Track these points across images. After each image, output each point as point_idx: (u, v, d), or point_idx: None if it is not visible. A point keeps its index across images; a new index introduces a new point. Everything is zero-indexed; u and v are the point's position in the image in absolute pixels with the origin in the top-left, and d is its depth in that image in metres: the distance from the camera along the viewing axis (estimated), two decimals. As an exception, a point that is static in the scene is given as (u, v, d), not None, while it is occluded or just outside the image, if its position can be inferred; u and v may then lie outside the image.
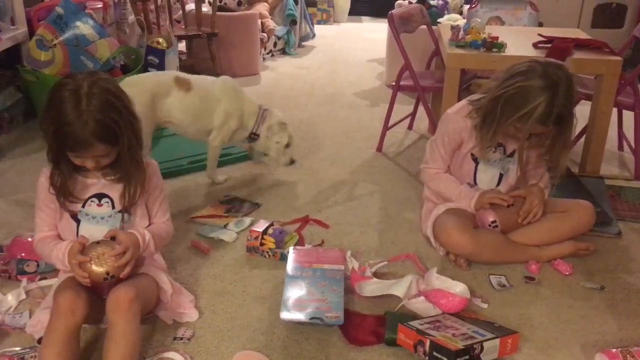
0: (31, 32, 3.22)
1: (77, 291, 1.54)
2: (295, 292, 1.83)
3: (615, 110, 2.93)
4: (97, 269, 1.57)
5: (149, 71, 3.46)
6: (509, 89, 1.94)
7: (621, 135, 3.25)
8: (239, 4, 5.18)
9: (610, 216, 2.42)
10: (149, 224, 1.78)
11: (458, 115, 2.14)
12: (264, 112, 2.66)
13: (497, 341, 1.62)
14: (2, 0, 3.11)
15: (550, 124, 1.94)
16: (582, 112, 2.91)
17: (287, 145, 2.69)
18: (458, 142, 2.16)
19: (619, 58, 2.67)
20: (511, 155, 2.14)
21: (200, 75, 2.71)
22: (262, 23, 4.91)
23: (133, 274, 1.67)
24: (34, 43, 3.10)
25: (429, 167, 2.25)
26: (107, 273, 1.57)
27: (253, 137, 2.68)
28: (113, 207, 1.69)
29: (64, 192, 1.64)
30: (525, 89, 1.91)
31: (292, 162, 2.73)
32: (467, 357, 1.55)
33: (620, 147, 3.25)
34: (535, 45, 2.79)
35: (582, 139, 2.91)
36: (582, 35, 2.99)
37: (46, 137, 1.55)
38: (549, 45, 2.74)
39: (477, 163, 2.17)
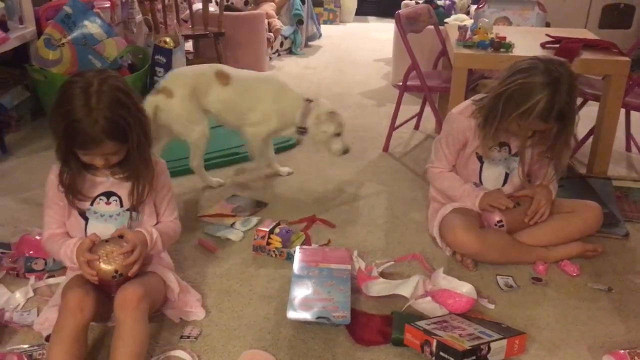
0: (39, 31, 3.24)
1: (85, 289, 1.55)
2: (301, 291, 1.83)
3: (622, 111, 2.92)
4: (106, 267, 1.57)
5: (155, 71, 3.48)
6: (511, 86, 1.94)
7: (629, 136, 3.24)
8: (246, 3, 5.18)
9: (618, 217, 2.41)
10: (157, 223, 1.78)
11: (462, 114, 2.14)
12: (309, 104, 2.61)
13: (504, 342, 1.62)
14: (10, 0, 3.12)
15: (552, 121, 1.93)
16: (590, 112, 2.92)
17: (338, 134, 2.64)
18: (462, 141, 2.16)
19: (627, 59, 2.65)
20: (516, 154, 2.14)
21: (248, 71, 2.71)
22: (268, 23, 4.91)
23: (141, 272, 1.67)
24: (42, 42, 3.11)
25: (434, 167, 2.25)
26: (116, 271, 1.58)
27: (301, 130, 2.64)
28: (121, 206, 1.70)
29: (73, 190, 1.64)
30: (526, 85, 1.91)
31: (345, 151, 2.66)
32: (474, 357, 1.55)
33: (628, 148, 3.24)
34: (543, 46, 2.78)
35: (590, 140, 2.90)
36: (589, 35, 2.98)
37: (55, 135, 1.56)
38: (557, 45, 2.73)
39: (482, 162, 2.16)
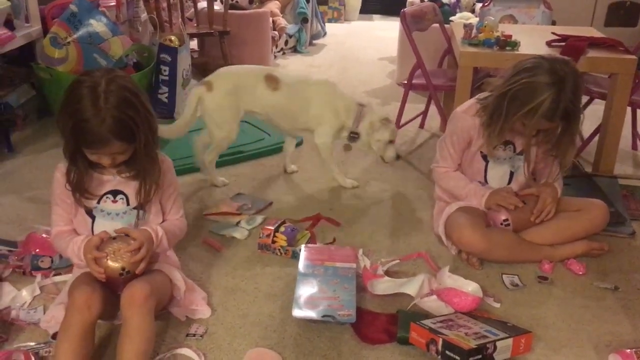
0: (45, 30, 3.24)
1: (92, 287, 1.55)
2: (307, 289, 1.83)
3: (629, 110, 2.91)
4: (113, 264, 1.58)
5: (160, 69, 3.48)
6: (515, 85, 1.94)
7: (635, 135, 3.23)
8: (251, 2, 5.18)
9: (624, 216, 2.40)
10: (163, 221, 1.79)
11: (466, 113, 2.14)
12: (362, 109, 2.60)
13: (510, 341, 1.61)
14: (16, -2, 3.13)
15: (557, 120, 1.93)
16: (596, 111, 2.91)
17: (391, 142, 2.64)
18: (467, 140, 2.16)
19: (633, 57, 2.65)
20: (521, 153, 2.14)
21: (299, 75, 2.72)
22: (273, 21, 4.91)
23: (147, 270, 1.68)
24: (48, 41, 3.11)
25: (439, 166, 2.25)
26: (123, 269, 1.58)
27: (353, 136, 2.62)
28: (128, 204, 1.71)
29: (80, 189, 1.65)
30: (531, 84, 1.91)
31: (397, 157, 2.67)
32: (480, 356, 1.54)
33: (635, 147, 3.23)
34: (549, 44, 2.77)
35: (596, 138, 2.89)
36: (596, 33, 2.97)
37: (63, 134, 1.57)
38: (563, 43, 2.72)
39: (487, 161, 2.16)
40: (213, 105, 2.53)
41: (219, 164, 2.87)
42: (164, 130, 2.71)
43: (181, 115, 2.64)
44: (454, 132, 2.18)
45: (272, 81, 2.54)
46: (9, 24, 3.06)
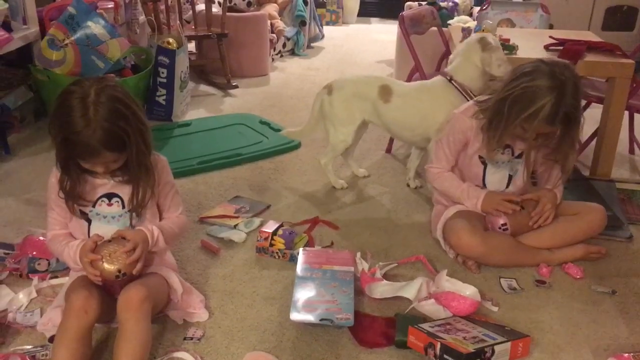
0: (43, 32, 3.23)
1: (89, 290, 1.55)
2: (305, 293, 1.83)
3: (626, 114, 2.91)
4: (109, 266, 1.58)
5: (158, 72, 3.48)
6: (516, 90, 1.94)
7: (632, 139, 3.23)
8: (249, 4, 5.18)
9: (622, 220, 2.41)
10: (161, 219, 1.79)
11: (464, 115, 2.15)
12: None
13: (508, 344, 1.61)
14: (14, 0, 3.12)
15: (558, 124, 1.93)
16: (593, 115, 2.92)
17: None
18: (463, 141, 2.16)
19: (631, 61, 2.65)
20: (519, 156, 2.14)
21: (415, 84, 2.65)
22: (271, 24, 4.91)
23: (144, 273, 1.67)
24: (46, 43, 3.11)
25: (433, 167, 2.25)
26: (119, 270, 1.58)
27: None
28: (123, 207, 1.70)
29: (73, 197, 1.64)
30: (531, 89, 1.91)
31: None
32: (478, 360, 1.54)
33: (632, 151, 3.23)
34: (546, 48, 2.78)
35: (593, 142, 2.90)
36: (593, 37, 2.97)
37: (54, 144, 1.56)
38: (561, 47, 2.73)
39: (485, 165, 2.16)
40: (329, 107, 2.61)
41: (217, 167, 2.88)
42: (295, 133, 2.87)
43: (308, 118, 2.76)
44: (450, 133, 2.18)
45: (386, 93, 2.54)
46: (6, 26, 3.05)
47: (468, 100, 2.40)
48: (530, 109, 1.90)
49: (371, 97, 2.56)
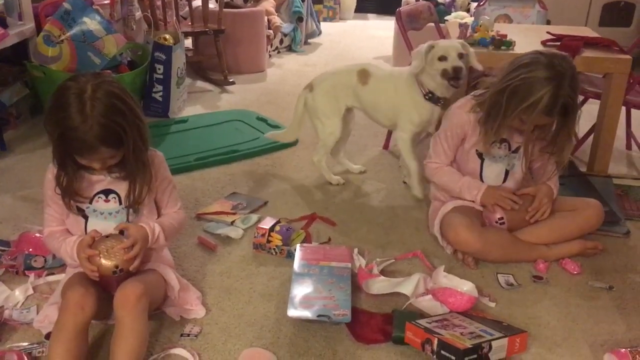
0: (38, 28, 3.22)
1: (86, 287, 1.54)
2: (302, 289, 1.83)
3: (623, 109, 2.91)
4: (106, 262, 1.57)
5: (155, 68, 3.47)
6: (514, 81, 1.93)
7: (629, 134, 3.23)
8: (246, 0, 5.16)
9: (619, 215, 2.41)
10: (159, 215, 1.79)
11: (461, 109, 2.14)
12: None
13: (505, 340, 1.61)
14: (10, -4, 3.11)
15: (555, 115, 1.92)
16: (591, 110, 2.92)
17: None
18: (461, 136, 2.16)
19: (628, 57, 2.65)
20: (516, 151, 2.14)
21: (390, 70, 2.70)
22: (268, 20, 4.90)
23: (141, 270, 1.67)
24: (42, 39, 3.09)
25: (431, 162, 2.24)
26: (116, 266, 1.58)
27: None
28: (120, 203, 1.69)
29: (70, 193, 1.64)
30: (529, 80, 1.90)
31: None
32: (475, 356, 1.54)
33: (629, 146, 3.24)
34: (544, 44, 2.78)
35: (590, 138, 2.90)
36: (590, 33, 2.97)
37: (51, 140, 1.56)
38: (558, 43, 2.72)
39: (482, 160, 2.16)
40: (313, 103, 2.64)
41: (214, 163, 2.87)
42: (278, 135, 2.91)
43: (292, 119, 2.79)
44: (448, 128, 2.18)
45: (364, 76, 2.58)
46: (2, 22, 3.04)
47: (426, 99, 2.46)
48: (529, 100, 1.89)
49: (351, 83, 2.59)
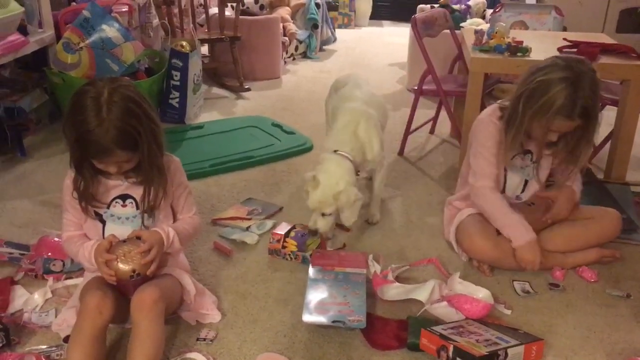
0: (58, 35, 3.27)
1: (104, 291, 1.56)
2: (317, 295, 1.83)
3: (641, 116, 2.88)
4: (124, 266, 1.59)
5: (172, 75, 3.50)
6: (530, 85, 1.91)
7: (647, 141, 3.20)
8: (262, 8, 5.20)
9: (637, 223, 2.38)
10: (175, 220, 1.80)
11: (491, 117, 2.10)
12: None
13: (521, 348, 1.60)
14: (30, 4, 3.15)
15: (576, 117, 1.88)
16: (608, 117, 2.89)
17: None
18: (499, 143, 2.06)
19: (646, 63, 2.63)
20: (537, 161, 2.12)
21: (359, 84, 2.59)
22: (284, 27, 4.93)
23: (157, 274, 1.68)
24: (61, 46, 3.14)
25: (476, 181, 2.11)
26: (134, 271, 1.59)
27: None
28: (137, 208, 1.71)
29: (87, 198, 1.66)
30: (545, 81, 1.88)
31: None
32: (491, 363, 1.54)
33: (646, 154, 3.20)
34: (560, 50, 2.76)
35: (608, 145, 2.87)
36: (607, 40, 2.95)
37: (68, 144, 1.58)
38: (575, 49, 2.71)
39: (505, 170, 2.13)
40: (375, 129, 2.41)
41: (229, 169, 2.89)
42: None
43: None
44: (484, 140, 2.09)
45: (336, 87, 2.62)
46: (22, 30, 3.09)
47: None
48: (543, 99, 1.86)
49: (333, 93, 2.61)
